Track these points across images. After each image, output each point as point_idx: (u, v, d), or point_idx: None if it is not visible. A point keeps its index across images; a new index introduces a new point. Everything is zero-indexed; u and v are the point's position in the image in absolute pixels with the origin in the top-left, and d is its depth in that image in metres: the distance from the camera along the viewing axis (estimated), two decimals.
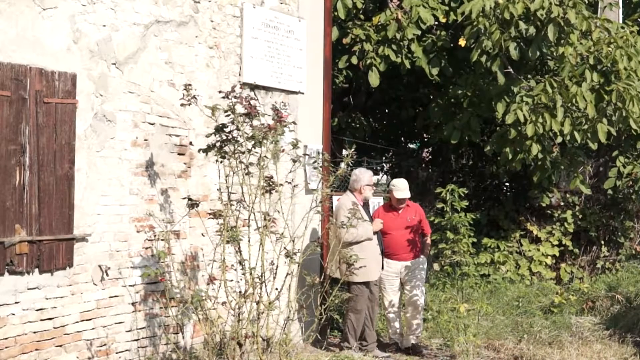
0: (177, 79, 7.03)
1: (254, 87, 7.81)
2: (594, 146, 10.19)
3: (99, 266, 6.37)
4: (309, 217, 6.90)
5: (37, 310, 5.90)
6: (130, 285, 6.63)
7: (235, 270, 6.55)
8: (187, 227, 7.12)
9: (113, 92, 6.48)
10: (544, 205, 12.22)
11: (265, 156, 6.39)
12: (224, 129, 6.33)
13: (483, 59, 9.90)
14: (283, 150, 6.60)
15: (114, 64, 6.50)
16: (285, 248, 6.60)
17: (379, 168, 14.03)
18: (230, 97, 6.35)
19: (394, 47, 10.54)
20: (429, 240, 8.60)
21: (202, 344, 6.73)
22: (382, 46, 10.53)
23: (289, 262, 6.60)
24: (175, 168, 7.05)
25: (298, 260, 6.68)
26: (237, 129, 6.34)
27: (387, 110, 13.98)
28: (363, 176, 8.13)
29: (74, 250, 6.16)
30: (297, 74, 8.37)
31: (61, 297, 6.07)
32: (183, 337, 7.04)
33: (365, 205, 8.19)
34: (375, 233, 8.01)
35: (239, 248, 6.38)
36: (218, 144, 6.35)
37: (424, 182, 13.38)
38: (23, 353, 5.79)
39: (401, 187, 8.33)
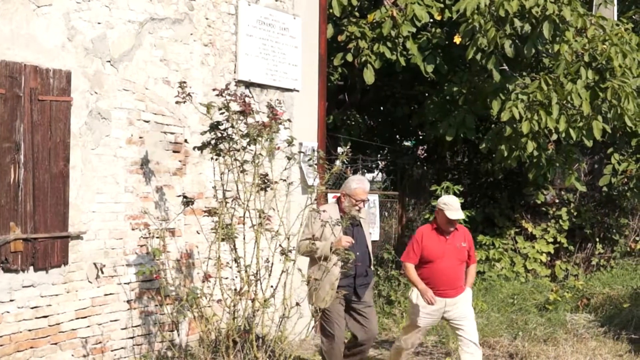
0: (172, 76, 7.02)
1: (249, 85, 7.80)
2: (589, 143, 10.21)
3: (94, 264, 6.37)
4: (304, 215, 6.89)
5: (32, 308, 5.89)
6: (125, 283, 6.62)
7: (231, 267, 6.54)
8: (182, 224, 7.12)
9: (108, 89, 6.47)
10: (539, 202, 12.23)
11: (260, 154, 6.38)
12: (219, 127, 6.32)
13: (478, 56, 9.91)
14: (278, 148, 6.58)
15: (109, 61, 6.48)
16: (280, 245, 6.59)
17: (374, 166, 14.03)
18: (224, 94, 6.34)
19: (389, 44, 10.55)
20: (473, 270, 7.01)
21: (198, 342, 6.72)
22: (377, 43, 10.54)
23: (284, 259, 6.59)
24: (170, 166, 7.04)
25: (293, 258, 6.67)
26: (232, 126, 6.34)
27: (382, 108, 13.97)
28: (348, 183, 6.68)
29: (69, 248, 6.15)
30: (292, 72, 8.36)
31: (56, 295, 6.06)
32: (178, 335, 7.03)
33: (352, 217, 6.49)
34: (336, 252, 6.28)
35: (234, 246, 6.38)
36: (213, 142, 6.34)
37: (418, 180, 13.39)
38: (18, 351, 5.78)
39: (454, 206, 6.64)
